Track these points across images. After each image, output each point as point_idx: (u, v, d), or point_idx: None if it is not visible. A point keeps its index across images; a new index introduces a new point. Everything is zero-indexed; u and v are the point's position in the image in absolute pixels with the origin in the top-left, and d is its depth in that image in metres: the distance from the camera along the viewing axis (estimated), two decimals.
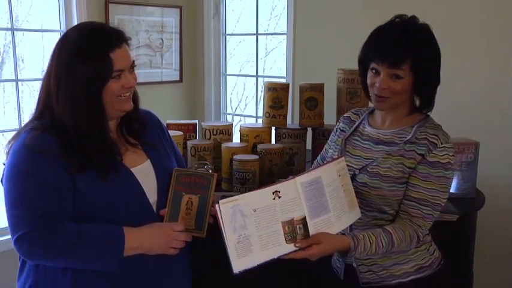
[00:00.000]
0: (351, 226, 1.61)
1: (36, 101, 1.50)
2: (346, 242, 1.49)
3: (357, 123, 1.74)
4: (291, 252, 1.41)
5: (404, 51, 1.52)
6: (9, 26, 3.14)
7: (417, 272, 1.62)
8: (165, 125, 1.77)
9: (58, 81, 1.42)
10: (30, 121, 1.48)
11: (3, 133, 3.26)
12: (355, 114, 1.78)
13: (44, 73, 1.48)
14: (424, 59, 1.54)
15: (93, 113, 1.42)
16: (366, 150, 1.66)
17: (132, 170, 1.50)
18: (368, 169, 1.61)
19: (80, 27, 1.52)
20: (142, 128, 1.61)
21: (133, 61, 1.49)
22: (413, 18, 1.59)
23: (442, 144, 1.54)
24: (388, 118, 1.66)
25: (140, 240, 1.43)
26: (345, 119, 1.80)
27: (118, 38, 1.45)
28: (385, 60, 1.53)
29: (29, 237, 1.36)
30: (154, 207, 1.52)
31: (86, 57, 1.40)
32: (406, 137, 1.58)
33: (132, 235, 1.42)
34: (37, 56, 3.83)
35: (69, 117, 1.41)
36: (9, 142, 1.46)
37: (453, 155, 1.56)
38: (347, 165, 1.63)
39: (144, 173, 1.53)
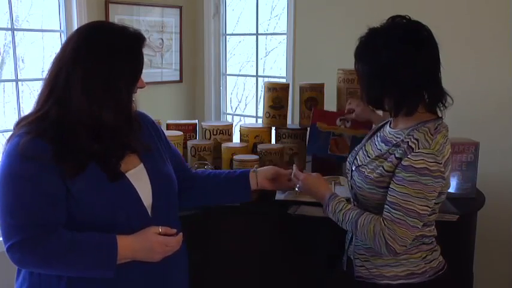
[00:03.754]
0: None
1: (42, 94, 1.44)
2: (328, 190, 1.73)
3: (384, 122, 1.75)
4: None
5: (355, 52, 1.63)
6: (9, 26, 3.14)
7: (407, 277, 1.60)
8: (160, 126, 1.74)
9: (91, 74, 1.39)
10: (26, 123, 1.41)
11: (3, 133, 3.26)
12: None
13: (54, 67, 1.42)
14: (361, 62, 1.62)
15: (129, 108, 1.47)
16: (373, 148, 1.67)
17: (126, 174, 1.47)
18: (360, 168, 1.63)
19: (106, 24, 1.57)
20: (138, 131, 1.57)
21: None
22: (388, 21, 1.58)
23: (419, 149, 1.48)
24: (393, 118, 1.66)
25: (134, 253, 1.42)
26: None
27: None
28: None
29: (20, 247, 1.33)
30: (149, 210, 1.49)
31: (126, 54, 1.43)
32: (400, 139, 1.57)
33: (126, 247, 1.40)
34: (37, 56, 3.83)
35: (101, 110, 1.39)
36: (5, 144, 1.43)
37: (434, 162, 1.47)
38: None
39: (138, 176, 1.49)
